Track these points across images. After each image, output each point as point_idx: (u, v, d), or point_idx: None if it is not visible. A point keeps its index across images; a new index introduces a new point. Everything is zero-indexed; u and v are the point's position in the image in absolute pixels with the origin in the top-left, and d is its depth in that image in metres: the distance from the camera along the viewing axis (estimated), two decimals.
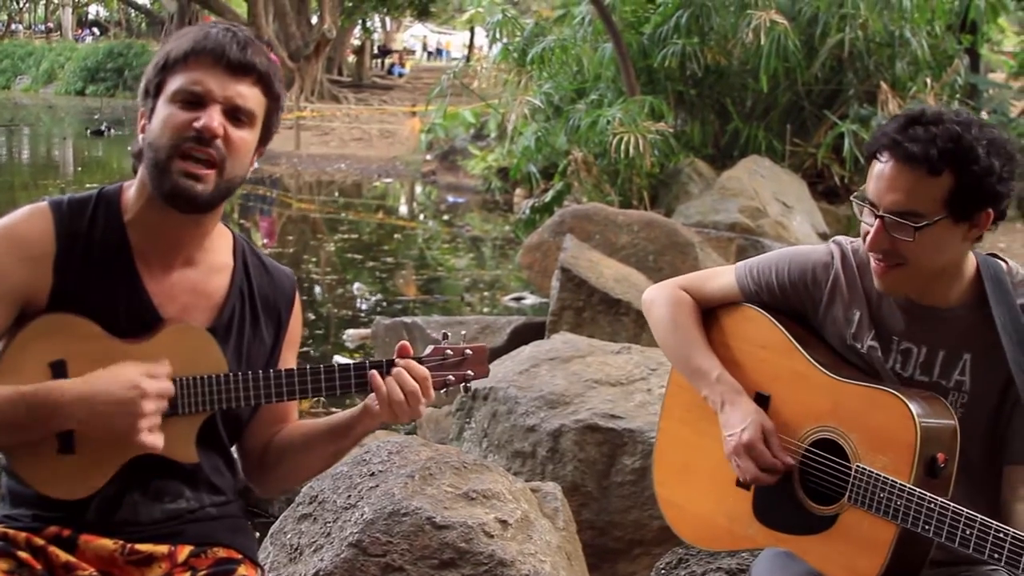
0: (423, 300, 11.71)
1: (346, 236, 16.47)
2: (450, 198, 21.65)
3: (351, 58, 43.25)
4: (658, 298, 2.95)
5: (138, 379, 2.13)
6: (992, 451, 2.54)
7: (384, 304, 11.44)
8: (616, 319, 6.35)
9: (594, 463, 4.21)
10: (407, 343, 2.36)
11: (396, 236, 17.23)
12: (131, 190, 2.31)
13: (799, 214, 11.71)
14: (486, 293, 12.21)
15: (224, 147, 2.21)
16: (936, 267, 2.50)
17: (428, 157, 24.65)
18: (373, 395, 2.33)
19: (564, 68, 15.13)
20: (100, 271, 2.24)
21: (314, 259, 14.27)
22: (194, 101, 2.20)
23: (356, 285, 12.13)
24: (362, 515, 3.20)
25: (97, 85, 46.19)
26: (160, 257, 2.29)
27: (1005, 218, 2.53)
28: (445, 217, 19.51)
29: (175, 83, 2.21)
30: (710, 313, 2.91)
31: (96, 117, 34.56)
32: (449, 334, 2.45)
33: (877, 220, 2.45)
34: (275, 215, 19.52)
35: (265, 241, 15.70)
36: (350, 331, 9.76)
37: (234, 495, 2.46)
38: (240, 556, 2.38)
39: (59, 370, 2.18)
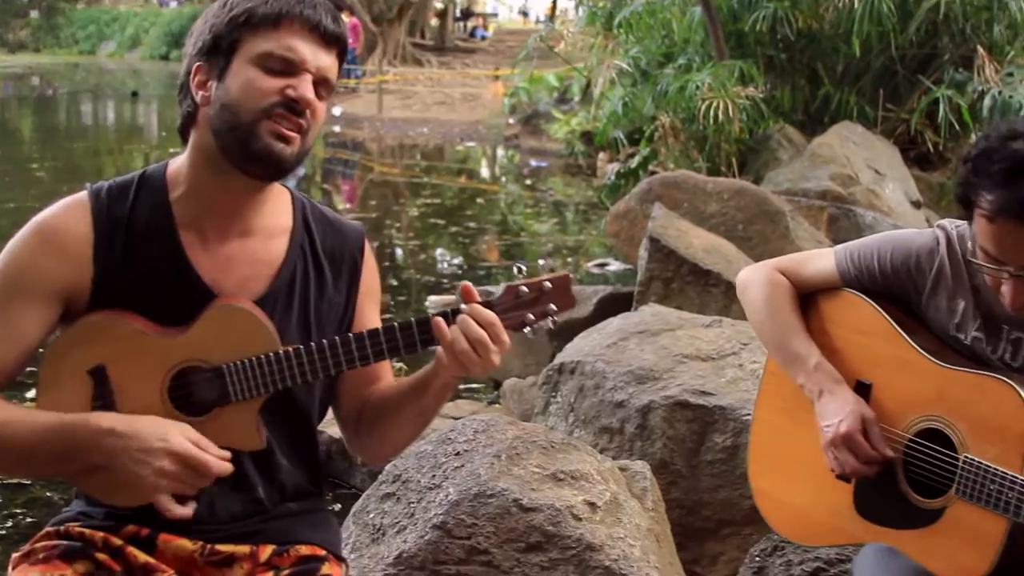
0: (506, 266, 11.63)
1: (428, 200, 16.44)
2: (533, 162, 21.58)
3: (434, 21, 43.23)
4: (753, 280, 2.84)
5: (169, 432, 2.04)
6: None
7: (466, 269, 11.39)
8: (705, 290, 6.18)
9: (683, 440, 4.09)
10: (469, 284, 2.15)
11: (478, 200, 17.18)
12: (177, 163, 2.21)
13: (892, 181, 11.41)
14: (569, 259, 12.11)
15: (310, 117, 2.12)
16: None
17: (511, 121, 24.60)
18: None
19: (652, 32, 14.89)
20: (143, 255, 2.14)
21: (396, 224, 14.25)
22: (285, 69, 2.09)
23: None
24: (447, 496, 3.11)
25: (181, 50, 46.73)
26: (215, 230, 2.19)
27: None
28: (528, 181, 19.42)
29: (263, 45, 2.09)
30: (808, 297, 2.79)
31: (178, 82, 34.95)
32: (524, 268, 2.29)
33: (1013, 280, 2.34)
34: (357, 179, 19.57)
35: (347, 205, 15.73)
36: (433, 297, 9.71)
37: (315, 485, 2.35)
38: (323, 552, 2.29)
39: (100, 375, 2.09)
